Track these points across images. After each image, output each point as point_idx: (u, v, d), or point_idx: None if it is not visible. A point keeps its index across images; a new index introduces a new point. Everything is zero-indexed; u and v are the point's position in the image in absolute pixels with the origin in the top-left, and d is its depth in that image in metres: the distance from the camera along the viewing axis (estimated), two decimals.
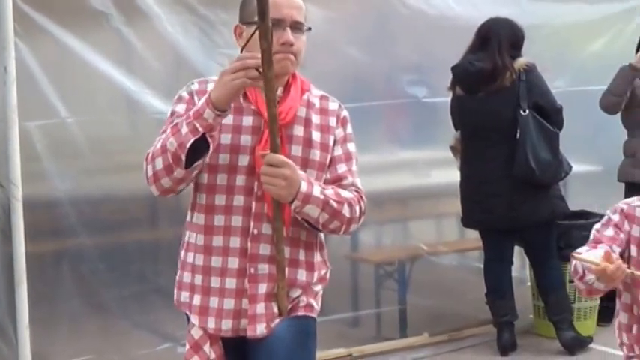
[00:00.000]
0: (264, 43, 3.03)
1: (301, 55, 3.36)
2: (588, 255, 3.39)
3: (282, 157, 3.16)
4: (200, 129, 3.12)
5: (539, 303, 6.71)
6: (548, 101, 6.32)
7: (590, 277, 3.36)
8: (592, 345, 6.55)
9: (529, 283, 6.87)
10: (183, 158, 3.15)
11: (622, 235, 3.51)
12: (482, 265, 6.66)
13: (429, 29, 6.78)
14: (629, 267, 3.42)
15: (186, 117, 3.18)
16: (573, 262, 3.46)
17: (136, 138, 5.94)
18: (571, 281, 6.56)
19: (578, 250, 3.49)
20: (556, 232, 6.50)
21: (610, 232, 3.52)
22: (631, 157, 6.71)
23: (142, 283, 5.87)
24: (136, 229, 6.08)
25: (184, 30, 5.89)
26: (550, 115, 6.30)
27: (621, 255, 3.47)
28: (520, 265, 7.04)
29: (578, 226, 6.56)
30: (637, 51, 6.81)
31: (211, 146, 3.18)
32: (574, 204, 7.02)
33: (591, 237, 3.58)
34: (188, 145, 3.13)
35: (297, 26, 3.31)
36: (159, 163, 3.22)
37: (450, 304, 6.93)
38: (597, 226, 3.60)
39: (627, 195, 6.27)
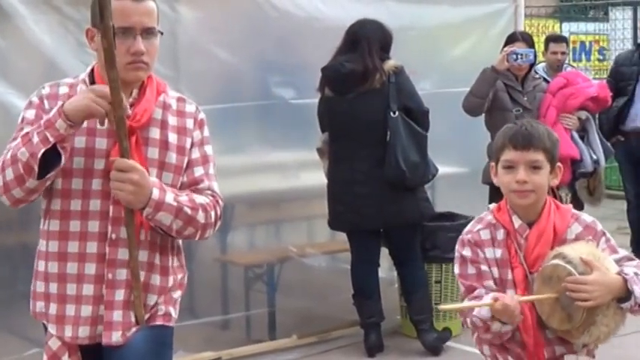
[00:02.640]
0: (104, 42, 3.00)
1: (154, 60, 3.32)
2: (472, 302, 3.41)
3: (130, 162, 3.12)
4: (51, 139, 3.06)
5: (405, 304, 6.75)
6: (416, 103, 6.38)
7: (495, 325, 3.37)
8: (456, 345, 6.62)
9: (397, 285, 6.92)
10: (36, 168, 3.08)
11: (483, 267, 3.50)
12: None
13: (297, 31, 6.78)
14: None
15: (37, 126, 3.11)
16: (468, 320, 3.46)
17: (1, 141, 5.77)
18: (437, 282, 6.71)
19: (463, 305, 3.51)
20: (422, 234, 6.57)
21: (472, 270, 3.51)
22: None
23: (8, 287, 5.74)
24: (1, 233, 5.94)
25: (50, 30, 5.77)
26: (418, 117, 6.35)
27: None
28: (389, 267, 7.09)
29: (444, 228, 6.64)
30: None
31: (63, 157, 3.11)
32: (441, 205, 7.11)
33: (461, 286, 3.57)
34: (39, 155, 3.05)
35: (148, 31, 3.27)
36: (9, 174, 3.14)
37: (318, 305, 6.95)
38: (456, 269, 3.58)
39: (491, 196, 6.37)
